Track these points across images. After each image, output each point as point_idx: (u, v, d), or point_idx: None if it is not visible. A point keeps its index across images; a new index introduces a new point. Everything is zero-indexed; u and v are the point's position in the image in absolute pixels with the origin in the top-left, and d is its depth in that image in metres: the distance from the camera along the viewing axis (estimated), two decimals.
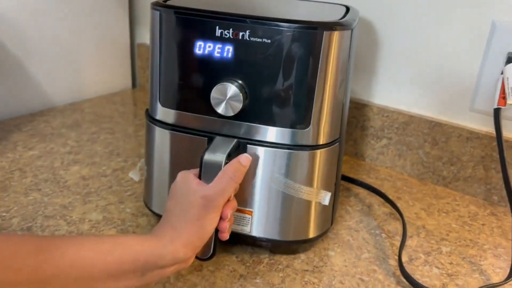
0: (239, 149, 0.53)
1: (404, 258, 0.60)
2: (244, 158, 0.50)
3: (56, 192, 0.70)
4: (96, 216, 0.64)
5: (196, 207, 0.46)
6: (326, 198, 0.56)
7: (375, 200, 0.74)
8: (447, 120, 0.78)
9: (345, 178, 0.78)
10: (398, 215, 0.70)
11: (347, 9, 0.59)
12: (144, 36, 1.16)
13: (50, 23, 0.95)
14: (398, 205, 0.70)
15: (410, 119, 0.80)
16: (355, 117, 0.85)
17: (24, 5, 0.90)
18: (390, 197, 0.72)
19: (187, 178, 0.49)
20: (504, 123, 0.67)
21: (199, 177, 0.50)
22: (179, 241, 0.45)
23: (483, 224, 0.69)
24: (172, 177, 0.58)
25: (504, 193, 0.74)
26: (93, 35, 1.04)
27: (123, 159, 0.81)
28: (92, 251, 0.40)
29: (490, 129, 0.74)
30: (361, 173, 0.82)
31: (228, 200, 0.49)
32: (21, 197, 0.68)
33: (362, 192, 0.76)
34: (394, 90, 0.82)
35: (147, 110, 0.59)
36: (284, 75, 0.49)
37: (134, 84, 1.19)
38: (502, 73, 0.65)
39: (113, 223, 0.63)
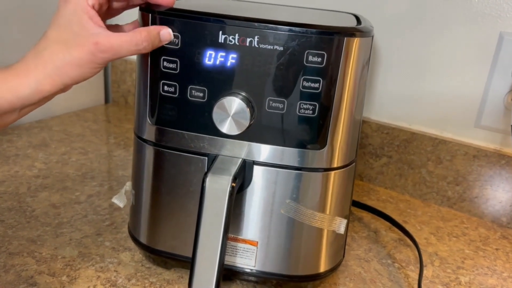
0: (244, 169, 0.46)
1: None
2: (165, 32, 0.43)
3: (22, 223, 0.60)
4: (70, 252, 0.55)
5: (82, 51, 0.40)
6: (341, 226, 0.49)
7: (380, 224, 0.68)
8: (452, 137, 0.73)
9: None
10: (407, 241, 0.64)
11: (357, 17, 0.54)
12: None
13: (16, 32, 0.86)
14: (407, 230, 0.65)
15: (412, 136, 0.75)
16: None
17: None
18: (396, 220, 0.67)
19: (83, 8, 0.40)
20: None
21: (200, 203, 0.42)
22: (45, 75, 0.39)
23: (496, 249, 0.64)
24: (165, 202, 0.50)
25: None
26: None
27: (99, 183, 0.72)
28: None
29: (498, 146, 0.70)
30: (361, 195, 0.76)
31: None
32: None
33: (365, 216, 0.70)
34: (393, 106, 0.77)
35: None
36: (297, 88, 0.43)
37: (107, 99, 1.10)
38: None
39: (90, 260, 0.54)
